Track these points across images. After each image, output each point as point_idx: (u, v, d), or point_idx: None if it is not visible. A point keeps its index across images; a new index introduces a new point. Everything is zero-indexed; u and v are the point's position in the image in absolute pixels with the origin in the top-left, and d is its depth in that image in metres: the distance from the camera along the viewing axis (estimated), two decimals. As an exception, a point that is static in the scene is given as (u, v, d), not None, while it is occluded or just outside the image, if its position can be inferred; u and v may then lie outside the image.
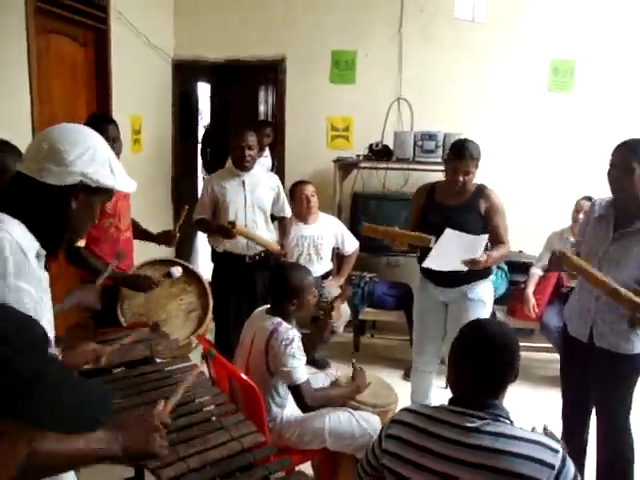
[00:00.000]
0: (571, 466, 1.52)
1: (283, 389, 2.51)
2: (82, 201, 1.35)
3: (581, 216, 4.16)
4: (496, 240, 3.09)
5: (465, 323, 3.13)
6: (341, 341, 4.54)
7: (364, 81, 4.99)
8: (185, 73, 5.48)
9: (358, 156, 4.80)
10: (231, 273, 3.69)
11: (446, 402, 1.70)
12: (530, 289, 4.27)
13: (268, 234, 3.75)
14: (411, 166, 4.73)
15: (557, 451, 1.52)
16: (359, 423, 2.54)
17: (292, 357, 2.37)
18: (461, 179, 3.03)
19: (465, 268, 2.90)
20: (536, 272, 4.31)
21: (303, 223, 4.32)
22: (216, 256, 3.78)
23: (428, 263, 2.99)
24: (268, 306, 2.64)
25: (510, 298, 4.43)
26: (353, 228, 4.60)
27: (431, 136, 4.59)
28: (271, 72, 5.25)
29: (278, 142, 5.19)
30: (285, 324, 2.45)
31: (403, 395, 3.12)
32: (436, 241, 2.95)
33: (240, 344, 2.67)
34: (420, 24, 4.86)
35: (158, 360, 2.29)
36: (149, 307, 2.95)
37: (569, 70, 4.78)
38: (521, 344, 4.84)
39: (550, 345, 4.35)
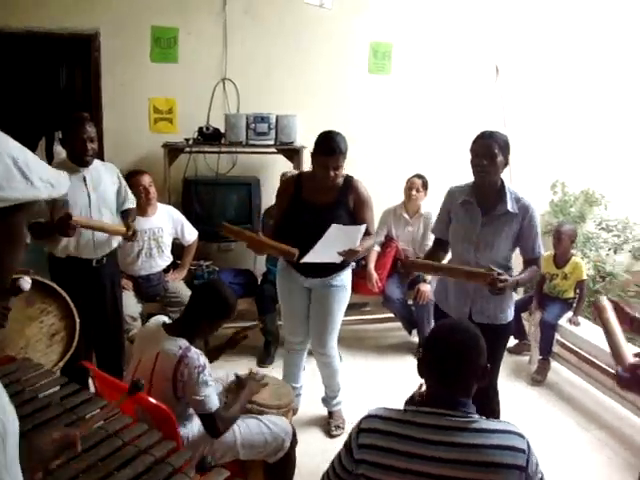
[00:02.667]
0: (531, 446, 1.65)
1: (191, 410, 2.35)
2: None
3: (414, 193, 4.47)
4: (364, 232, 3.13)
5: (331, 309, 3.21)
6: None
7: (187, 60, 4.70)
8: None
9: (187, 140, 4.53)
10: (76, 280, 3.26)
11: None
12: (372, 264, 4.47)
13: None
14: (245, 149, 4.64)
15: (522, 436, 1.65)
16: (269, 428, 2.48)
17: (205, 385, 2.23)
18: (332, 174, 3.01)
19: (340, 259, 2.95)
20: (375, 248, 4.54)
21: (141, 216, 4.02)
22: (56, 263, 3.29)
23: (307, 259, 2.95)
24: (165, 319, 2.43)
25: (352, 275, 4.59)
26: (186, 215, 4.42)
27: (263, 118, 4.50)
28: (82, 48, 4.67)
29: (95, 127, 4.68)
30: (193, 349, 2.28)
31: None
32: (307, 243, 2.90)
33: (136, 362, 2.41)
34: (244, 3, 4.71)
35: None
36: (1, 335, 2.52)
37: (387, 53, 5.02)
38: (356, 317, 5.06)
39: (389, 315, 4.66)
